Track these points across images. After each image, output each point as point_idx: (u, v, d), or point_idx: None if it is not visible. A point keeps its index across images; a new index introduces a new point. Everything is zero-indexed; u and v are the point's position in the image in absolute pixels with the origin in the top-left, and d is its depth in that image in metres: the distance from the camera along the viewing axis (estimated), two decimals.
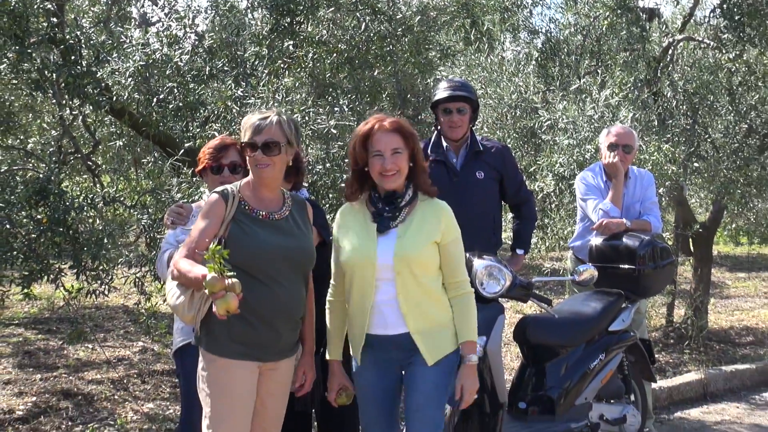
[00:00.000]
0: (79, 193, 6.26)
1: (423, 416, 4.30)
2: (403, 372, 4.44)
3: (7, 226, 5.82)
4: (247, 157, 4.31)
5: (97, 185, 8.08)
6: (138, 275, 6.68)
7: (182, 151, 6.33)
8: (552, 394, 5.84)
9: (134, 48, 6.72)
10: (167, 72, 6.71)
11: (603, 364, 6.06)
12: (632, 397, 6.45)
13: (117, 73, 6.77)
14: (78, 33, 6.41)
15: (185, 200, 5.88)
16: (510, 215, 6.79)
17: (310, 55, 7.35)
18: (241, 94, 6.48)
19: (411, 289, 4.29)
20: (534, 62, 9.67)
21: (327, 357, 4.57)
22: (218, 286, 3.75)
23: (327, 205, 6.64)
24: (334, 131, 6.55)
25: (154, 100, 6.75)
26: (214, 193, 4.32)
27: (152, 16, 8.00)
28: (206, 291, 3.83)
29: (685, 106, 9.26)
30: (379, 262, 4.27)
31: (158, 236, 6.18)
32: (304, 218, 4.50)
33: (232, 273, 3.84)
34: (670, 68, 9.81)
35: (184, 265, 4.10)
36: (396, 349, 4.35)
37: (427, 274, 4.34)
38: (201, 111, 6.67)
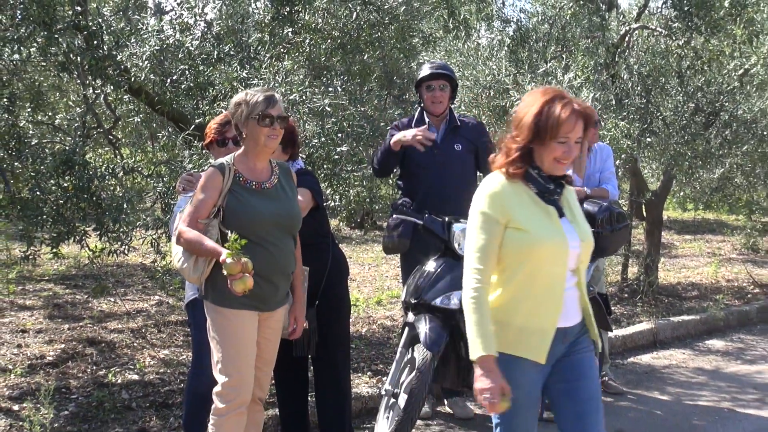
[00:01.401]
0: (101, 164, 6.26)
1: (598, 405, 3.57)
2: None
3: (38, 193, 5.80)
4: (258, 128, 4.23)
5: (118, 157, 8.03)
6: (154, 236, 6.66)
7: (193, 126, 6.31)
8: None
9: (150, 34, 6.67)
10: (179, 56, 6.67)
11: None
12: None
13: (135, 56, 6.74)
14: (100, 20, 6.36)
15: (195, 170, 5.86)
16: None
17: (307, 41, 7.31)
18: (246, 75, 6.44)
19: (583, 275, 3.65)
20: (506, 48, 9.62)
21: (482, 352, 3.37)
22: (236, 269, 3.91)
23: (322, 175, 6.63)
24: (329, 109, 6.52)
25: (168, 80, 6.71)
26: (211, 167, 4.32)
27: (166, 6, 7.94)
28: (225, 272, 3.95)
29: (639, 88, 9.24)
30: (570, 249, 3.53)
31: (172, 202, 6.16)
32: (291, 184, 4.50)
33: (246, 257, 3.95)
34: (626, 53, 9.79)
35: (194, 237, 4.14)
36: (563, 343, 3.56)
37: None
38: (210, 91, 6.63)
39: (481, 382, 3.37)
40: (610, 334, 7.34)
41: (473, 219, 3.53)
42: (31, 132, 7.40)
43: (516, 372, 3.44)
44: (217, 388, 4.25)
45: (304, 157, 6.31)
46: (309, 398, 5.40)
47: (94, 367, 6.70)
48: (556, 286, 3.49)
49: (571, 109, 3.41)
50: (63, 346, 7.18)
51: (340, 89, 6.91)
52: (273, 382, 5.32)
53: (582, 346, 3.61)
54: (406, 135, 5.87)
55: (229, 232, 4.02)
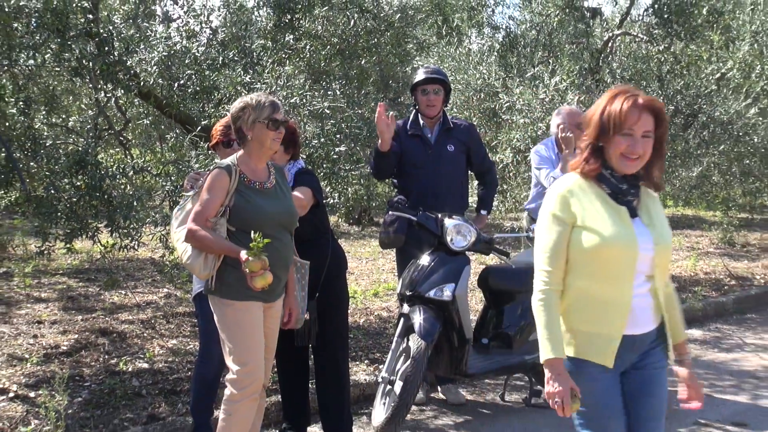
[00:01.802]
0: (112, 164, 6.28)
1: (659, 425, 3.30)
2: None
3: (52, 192, 5.81)
4: (266, 132, 4.23)
5: (128, 157, 8.04)
6: (162, 233, 6.66)
7: (199, 128, 6.32)
8: (510, 332, 5.88)
9: (158, 41, 6.68)
10: (186, 61, 6.68)
11: None
12: None
13: (144, 62, 6.75)
14: (110, 28, 6.37)
15: (202, 169, 5.87)
16: (475, 182, 6.81)
17: (308, 47, 7.33)
18: (249, 80, 6.45)
19: (661, 283, 3.29)
20: (495, 53, 9.66)
21: (551, 355, 3.16)
22: (258, 266, 3.96)
23: (321, 174, 6.65)
24: (328, 111, 6.54)
25: (176, 85, 6.72)
26: (217, 168, 4.28)
27: (174, 14, 7.93)
28: (246, 270, 3.98)
29: None
30: (640, 251, 3.20)
31: (179, 200, 6.17)
32: (285, 183, 4.53)
33: (265, 254, 3.99)
34: (609, 59, 9.84)
35: (208, 235, 4.15)
36: (633, 351, 3.26)
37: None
38: (215, 94, 6.64)
39: (550, 386, 3.16)
40: None
41: (542, 220, 3.30)
42: (45, 133, 7.40)
43: (585, 377, 3.20)
44: (230, 376, 4.24)
45: (305, 157, 6.32)
46: (309, 386, 5.42)
47: (106, 356, 6.71)
48: (623, 290, 3.19)
49: (633, 101, 3.18)
50: (76, 336, 7.18)
51: (338, 92, 6.93)
52: (275, 370, 5.34)
53: (654, 359, 3.31)
54: (381, 128, 5.80)
55: (252, 231, 4.02)
